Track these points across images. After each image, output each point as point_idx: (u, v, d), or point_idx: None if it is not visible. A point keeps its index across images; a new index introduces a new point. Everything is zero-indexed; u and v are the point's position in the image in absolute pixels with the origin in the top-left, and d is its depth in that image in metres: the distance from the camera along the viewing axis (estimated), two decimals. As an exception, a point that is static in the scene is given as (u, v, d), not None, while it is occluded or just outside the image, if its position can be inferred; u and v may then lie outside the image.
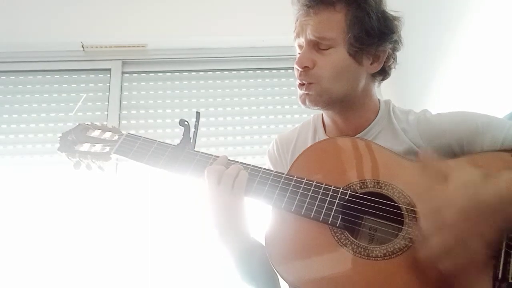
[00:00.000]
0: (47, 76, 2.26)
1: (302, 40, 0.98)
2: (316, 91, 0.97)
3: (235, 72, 2.39)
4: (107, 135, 1.02)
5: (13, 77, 2.23)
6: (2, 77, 2.22)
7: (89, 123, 1.06)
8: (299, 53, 1.00)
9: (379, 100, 1.06)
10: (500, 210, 0.63)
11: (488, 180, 0.66)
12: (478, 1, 1.70)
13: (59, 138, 1.03)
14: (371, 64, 0.99)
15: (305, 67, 0.96)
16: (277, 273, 0.76)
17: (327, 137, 1.04)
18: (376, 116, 1.03)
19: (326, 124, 1.08)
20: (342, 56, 0.96)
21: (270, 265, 0.79)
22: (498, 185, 0.65)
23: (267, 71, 2.37)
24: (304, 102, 1.00)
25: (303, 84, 0.98)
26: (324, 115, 1.09)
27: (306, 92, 0.98)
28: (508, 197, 0.63)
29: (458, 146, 0.91)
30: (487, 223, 0.63)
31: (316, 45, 0.96)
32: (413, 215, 0.76)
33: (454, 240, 0.63)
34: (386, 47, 0.99)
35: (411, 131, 0.98)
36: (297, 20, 1.00)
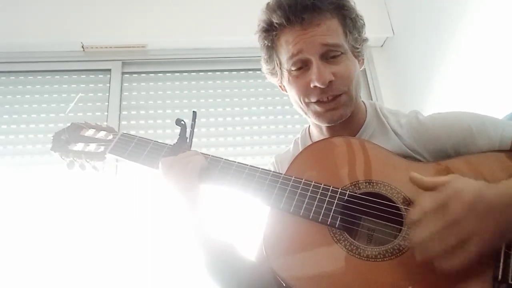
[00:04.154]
0: (47, 77, 2.26)
1: (305, 56, 0.91)
2: (344, 102, 0.94)
3: (235, 72, 2.39)
4: (102, 134, 1.01)
5: (13, 77, 2.23)
6: (2, 77, 2.22)
7: (82, 122, 1.04)
8: (296, 70, 0.94)
9: (363, 101, 1.05)
10: (501, 211, 0.62)
11: (489, 184, 0.66)
12: (478, 1, 1.70)
13: (52, 138, 1.02)
14: (359, 63, 1.00)
15: (329, 82, 0.90)
16: (273, 272, 0.76)
17: (324, 138, 1.02)
18: (365, 119, 1.02)
19: (317, 137, 1.05)
20: (352, 60, 0.96)
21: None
22: (499, 188, 0.64)
23: (267, 72, 2.36)
24: (332, 118, 0.95)
25: (328, 100, 0.93)
26: (314, 129, 1.06)
27: (334, 106, 0.93)
28: (509, 199, 0.63)
29: (454, 150, 0.90)
30: (490, 222, 0.62)
31: (325, 56, 0.92)
32: None
33: (456, 236, 0.61)
34: (366, 44, 1.01)
35: (404, 135, 0.96)
36: (279, 38, 0.95)
